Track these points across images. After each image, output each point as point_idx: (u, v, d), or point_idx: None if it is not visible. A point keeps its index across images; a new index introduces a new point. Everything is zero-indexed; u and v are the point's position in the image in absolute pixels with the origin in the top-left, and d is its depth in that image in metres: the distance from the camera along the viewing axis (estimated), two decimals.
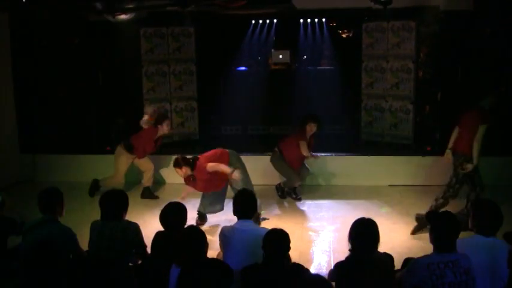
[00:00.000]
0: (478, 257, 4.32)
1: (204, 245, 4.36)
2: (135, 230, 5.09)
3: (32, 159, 10.35)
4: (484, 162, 9.01)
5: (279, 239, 4.44)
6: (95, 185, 9.20)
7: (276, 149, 8.94)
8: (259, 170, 9.70)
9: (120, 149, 9.07)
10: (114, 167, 9.16)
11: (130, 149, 8.97)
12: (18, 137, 10.43)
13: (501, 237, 4.81)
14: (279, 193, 9.08)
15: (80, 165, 10.20)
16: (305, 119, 8.79)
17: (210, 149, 10.39)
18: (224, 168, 7.29)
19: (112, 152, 9.54)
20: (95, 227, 5.10)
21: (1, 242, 5.43)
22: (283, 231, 4.53)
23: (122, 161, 9.07)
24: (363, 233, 4.39)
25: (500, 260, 4.40)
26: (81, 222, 5.96)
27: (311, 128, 8.72)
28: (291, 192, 9.04)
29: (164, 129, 8.98)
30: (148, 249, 5.11)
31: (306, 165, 8.98)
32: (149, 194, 9.19)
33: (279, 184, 9.12)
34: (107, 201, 5.19)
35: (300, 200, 8.93)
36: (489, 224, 4.53)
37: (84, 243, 5.29)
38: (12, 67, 10.25)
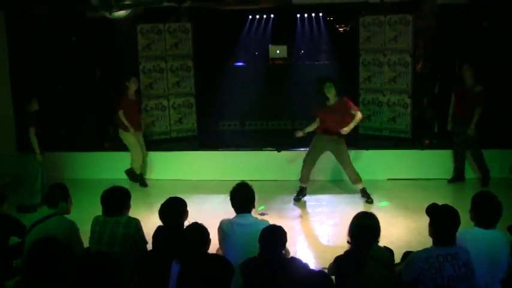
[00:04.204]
0: (478, 249, 4.33)
1: (206, 241, 4.37)
2: (136, 225, 5.12)
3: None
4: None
5: (274, 235, 4.43)
6: (132, 175, 9.62)
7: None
8: (258, 165, 9.74)
9: (121, 132, 9.48)
10: (129, 148, 9.61)
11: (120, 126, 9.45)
12: (15, 135, 10.40)
13: (503, 230, 4.79)
14: (366, 198, 8.54)
15: (78, 163, 10.20)
16: (321, 84, 8.27)
17: (208, 145, 10.51)
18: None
19: (110, 149, 9.88)
20: (96, 222, 5.14)
21: (1, 240, 5.41)
22: (278, 227, 4.53)
23: (130, 141, 9.49)
24: (364, 227, 4.38)
25: (500, 251, 4.40)
26: (81, 219, 5.93)
27: (328, 90, 8.17)
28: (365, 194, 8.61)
29: (132, 86, 9.48)
30: (149, 245, 5.13)
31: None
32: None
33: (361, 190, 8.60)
34: (108, 197, 5.22)
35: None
36: (489, 216, 4.52)
37: (84, 240, 5.30)
38: (10, 64, 10.22)
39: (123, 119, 9.34)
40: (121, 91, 9.51)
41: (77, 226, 5.23)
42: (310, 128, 8.52)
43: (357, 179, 8.49)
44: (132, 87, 9.49)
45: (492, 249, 4.39)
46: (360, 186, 8.56)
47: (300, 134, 8.53)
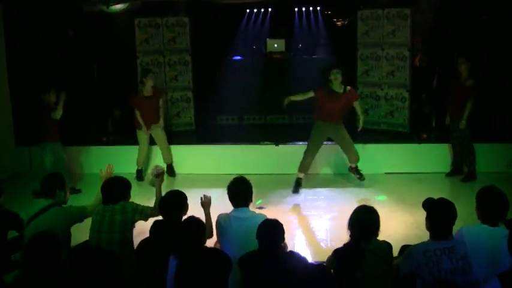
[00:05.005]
0: (480, 244, 4.33)
1: (202, 234, 4.37)
2: (132, 208, 5.19)
3: (28, 152, 10.31)
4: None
5: (272, 230, 4.42)
6: (138, 174, 9.73)
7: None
8: (256, 159, 9.74)
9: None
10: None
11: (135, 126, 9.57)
12: (14, 130, 10.40)
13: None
14: (358, 175, 8.81)
15: (76, 157, 10.17)
16: (327, 71, 8.34)
17: (206, 139, 10.50)
18: None
19: (107, 143, 9.93)
20: (97, 212, 5.19)
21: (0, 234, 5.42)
22: (276, 221, 4.52)
23: (139, 138, 9.60)
24: (364, 220, 4.39)
25: (500, 246, 4.34)
26: None
27: (335, 77, 8.21)
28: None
29: (148, 83, 9.40)
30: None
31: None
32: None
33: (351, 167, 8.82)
34: (108, 186, 5.29)
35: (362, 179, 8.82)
36: (495, 212, 4.49)
37: (83, 234, 5.32)
38: (7, 59, 10.19)
39: (139, 118, 9.44)
40: (135, 87, 9.54)
41: (74, 208, 5.30)
42: (297, 98, 8.54)
43: (356, 159, 8.67)
44: (149, 83, 9.44)
45: (494, 245, 4.37)
46: (353, 165, 8.73)
47: (286, 101, 8.52)
